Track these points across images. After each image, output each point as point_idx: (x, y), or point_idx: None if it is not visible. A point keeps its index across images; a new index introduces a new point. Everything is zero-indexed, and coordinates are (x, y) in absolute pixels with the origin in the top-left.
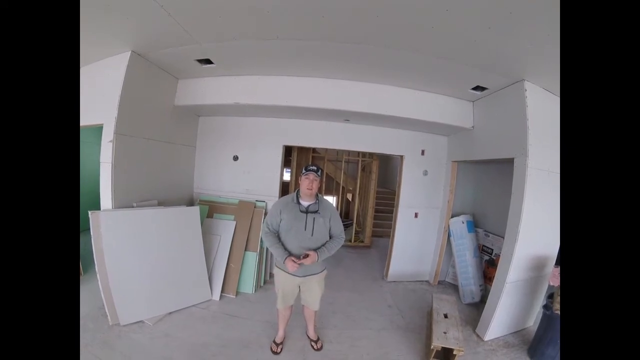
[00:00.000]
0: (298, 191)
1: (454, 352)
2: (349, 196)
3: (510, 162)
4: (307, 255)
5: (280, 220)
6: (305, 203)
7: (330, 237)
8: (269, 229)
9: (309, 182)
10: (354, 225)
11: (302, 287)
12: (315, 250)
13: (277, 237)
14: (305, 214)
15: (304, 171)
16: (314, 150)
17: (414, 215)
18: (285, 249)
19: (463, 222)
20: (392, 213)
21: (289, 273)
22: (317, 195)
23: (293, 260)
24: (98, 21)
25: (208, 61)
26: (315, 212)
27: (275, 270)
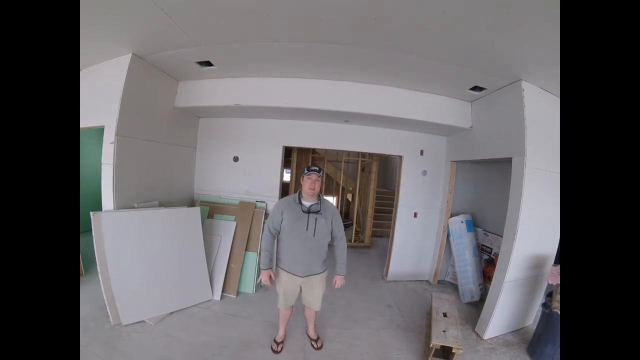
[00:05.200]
0: (300, 192)
1: (453, 351)
2: (349, 196)
3: (508, 161)
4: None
5: (282, 220)
6: (307, 203)
7: (332, 239)
8: (270, 231)
9: (311, 183)
10: (354, 225)
11: (303, 287)
12: (338, 273)
13: (275, 242)
14: (307, 214)
15: (306, 172)
16: (313, 150)
17: (413, 215)
18: (271, 260)
19: (462, 222)
20: (391, 213)
21: (290, 273)
22: (319, 195)
23: (270, 276)
24: (100, 24)
25: (208, 63)
26: (317, 212)
27: (277, 271)
